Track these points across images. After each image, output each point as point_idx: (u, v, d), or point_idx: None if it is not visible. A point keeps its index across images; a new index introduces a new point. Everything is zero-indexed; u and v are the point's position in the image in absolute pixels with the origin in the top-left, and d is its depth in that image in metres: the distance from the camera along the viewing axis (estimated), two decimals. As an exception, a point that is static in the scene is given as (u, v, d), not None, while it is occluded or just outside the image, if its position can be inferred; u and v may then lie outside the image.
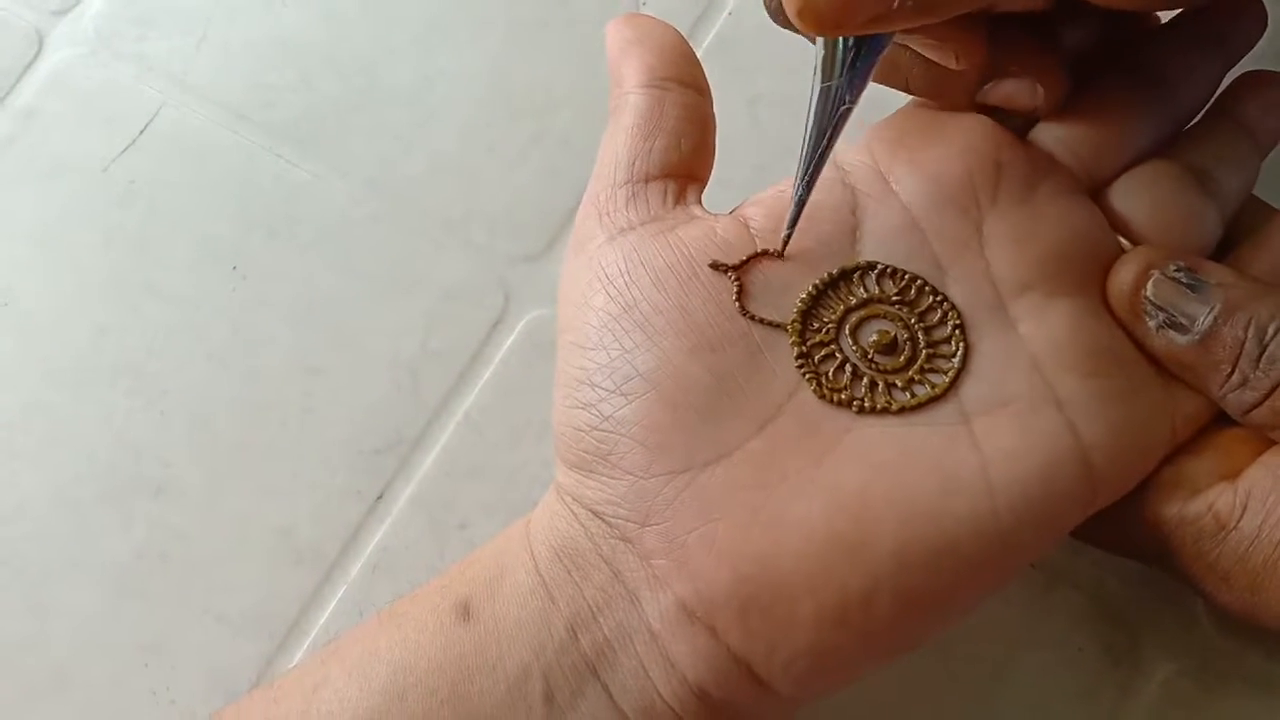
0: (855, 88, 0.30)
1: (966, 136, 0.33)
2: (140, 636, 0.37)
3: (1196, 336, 0.31)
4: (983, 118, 0.34)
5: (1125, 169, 0.34)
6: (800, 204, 0.31)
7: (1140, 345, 0.32)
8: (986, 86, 0.33)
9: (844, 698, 0.30)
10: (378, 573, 0.38)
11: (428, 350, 0.40)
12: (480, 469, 0.39)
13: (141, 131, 0.43)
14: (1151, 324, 0.31)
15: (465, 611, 0.29)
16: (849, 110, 0.30)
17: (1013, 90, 0.33)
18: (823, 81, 0.30)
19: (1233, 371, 0.30)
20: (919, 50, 0.33)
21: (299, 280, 0.41)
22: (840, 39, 0.29)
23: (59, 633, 0.38)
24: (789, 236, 0.31)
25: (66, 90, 0.44)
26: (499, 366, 0.40)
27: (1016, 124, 0.34)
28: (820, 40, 0.29)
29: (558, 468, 0.31)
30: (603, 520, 0.29)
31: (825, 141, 0.30)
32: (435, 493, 0.39)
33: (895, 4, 0.27)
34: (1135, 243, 0.33)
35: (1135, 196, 0.33)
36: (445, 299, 0.41)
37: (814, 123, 0.30)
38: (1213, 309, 0.31)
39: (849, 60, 0.29)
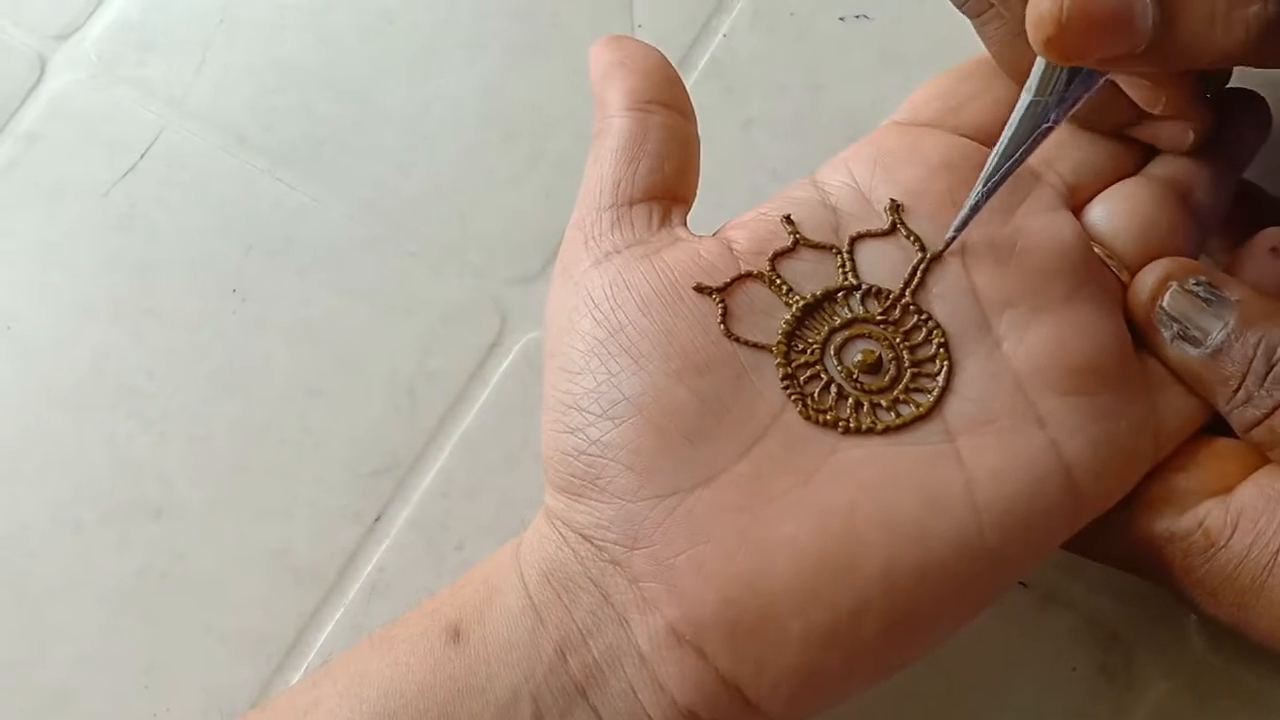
0: (1063, 110, 0.30)
1: (945, 155, 0.33)
2: (140, 657, 0.38)
3: (1208, 350, 0.31)
4: (960, 138, 0.34)
5: (1106, 185, 0.34)
6: (975, 210, 0.31)
7: (1155, 355, 0.32)
8: (1142, 124, 0.34)
9: (835, 718, 0.30)
10: (375, 594, 0.38)
11: (425, 372, 0.41)
12: (477, 491, 0.39)
13: (142, 155, 0.44)
14: (1166, 334, 0.32)
15: (455, 634, 0.29)
16: (1050, 130, 0.30)
17: (1167, 132, 0.34)
18: (1034, 95, 0.30)
19: (1239, 387, 0.31)
20: (1125, 87, 0.33)
21: (297, 302, 0.42)
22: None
23: (59, 653, 0.38)
24: (953, 239, 0.32)
25: (68, 114, 0.45)
26: (495, 388, 0.40)
27: None
28: (1042, 59, 0.30)
29: (547, 491, 0.31)
30: (592, 544, 0.29)
31: (1019, 155, 0.31)
32: (432, 514, 0.39)
33: (1140, 49, 0.28)
34: (1117, 259, 0.33)
35: (1116, 212, 0.33)
36: (442, 321, 0.41)
37: (1012, 134, 0.31)
38: (1226, 324, 0.31)
39: (1066, 83, 0.30)
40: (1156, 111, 0.33)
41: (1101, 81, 0.30)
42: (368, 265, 0.42)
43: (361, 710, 0.29)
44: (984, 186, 0.31)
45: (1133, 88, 0.33)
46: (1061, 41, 0.27)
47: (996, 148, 0.31)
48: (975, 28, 0.34)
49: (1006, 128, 0.31)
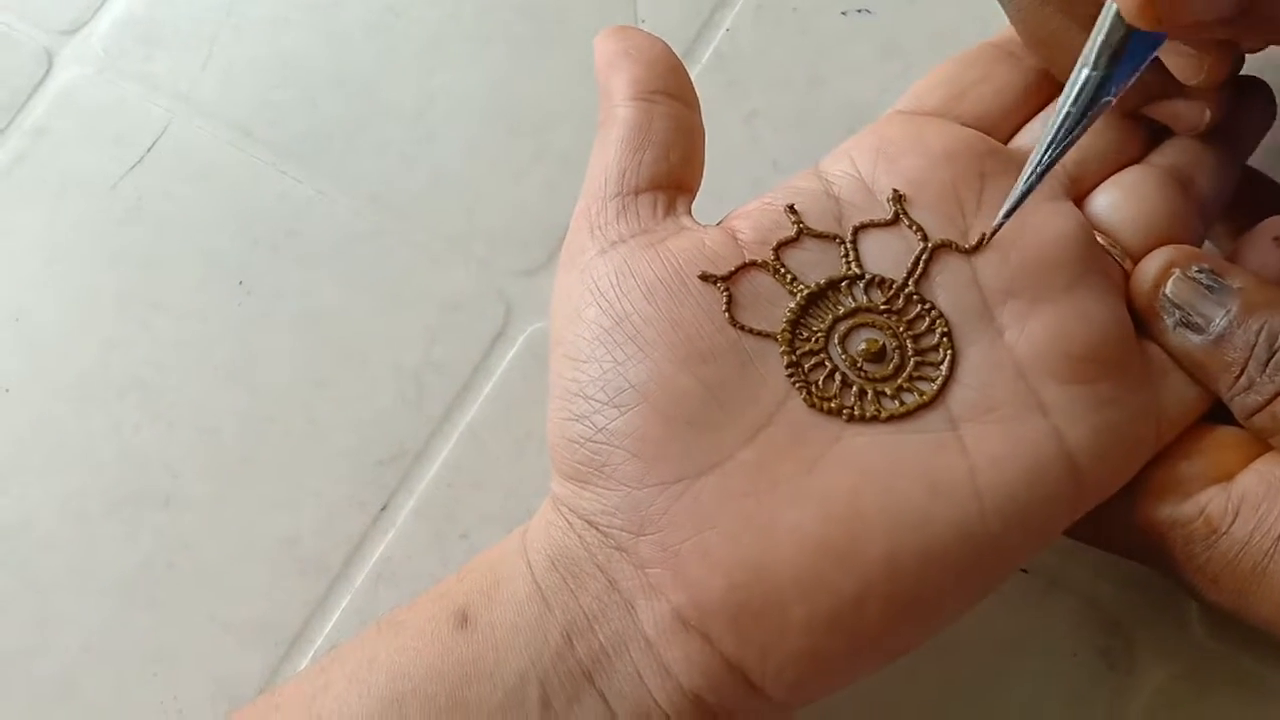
0: (1120, 82, 0.30)
1: (948, 145, 0.34)
2: (147, 646, 0.38)
3: (1210, 337, 0.31)
4: (963, 126, 0.34)
5: (1109, 174, 0.34)
6: (1029, 189, 0.31)
7: (1157, 342, 0.32)
8: (1157, 101, 0.34)
9: (839, 702, 0.31)
10: (382, 582, 0.38)
11: (430, 362, 0.41)
12: (482, 480, 0.39)
13: (149, 149, 0.44)
14: (1169, 321, 0.32)
15: (463, 619, 0.29)
16: (1108, 104, 0.30)
17: (1183, 110, 0.34)
18: (1093, 69, 0.29)
19: (1241, 374, 0.31)
20: (1167, 58, 0.32)
21: (303, 295, 0.42)
22: (1122, 34, 0.29)
23: (67, 643, 0.38)
24: (1006, 218, 0.31)
25: (75, 109, 0.45)
26: (500, 379, 0.41)
27: None
28: (1100, 31, 0.29)
29: (553, 478, 0.31)
30: (598, 530, 0.29)
31: (1078, 130, 0.30)
32: (438, 504, 0.39)
33: (1235, 11, 0.27)
34: (1120, 248, 0.33)
35: (1119, 201, 0.33)
36: (447, 312, 0.41)
37: (1069, 109, 0.30)
38: (1228, 311, 0.31)
39: (1124, 54, 0.29)
40: (1195, 83, 0.32)
41: (1157, 50, 0.30)
42: (373, 257, 0.42)
43: (370, 694, 0.29)
44: (1036, 166, 0.30)
45: (1178, 57, 0.32)
46: (1157, 7, 0.27)
47: (1051, 124, 0.30)
48: (1015, 15, 0.34)
49: (1060, 103, 0.30)
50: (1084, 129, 0.30)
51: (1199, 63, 0.32)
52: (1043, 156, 0.31)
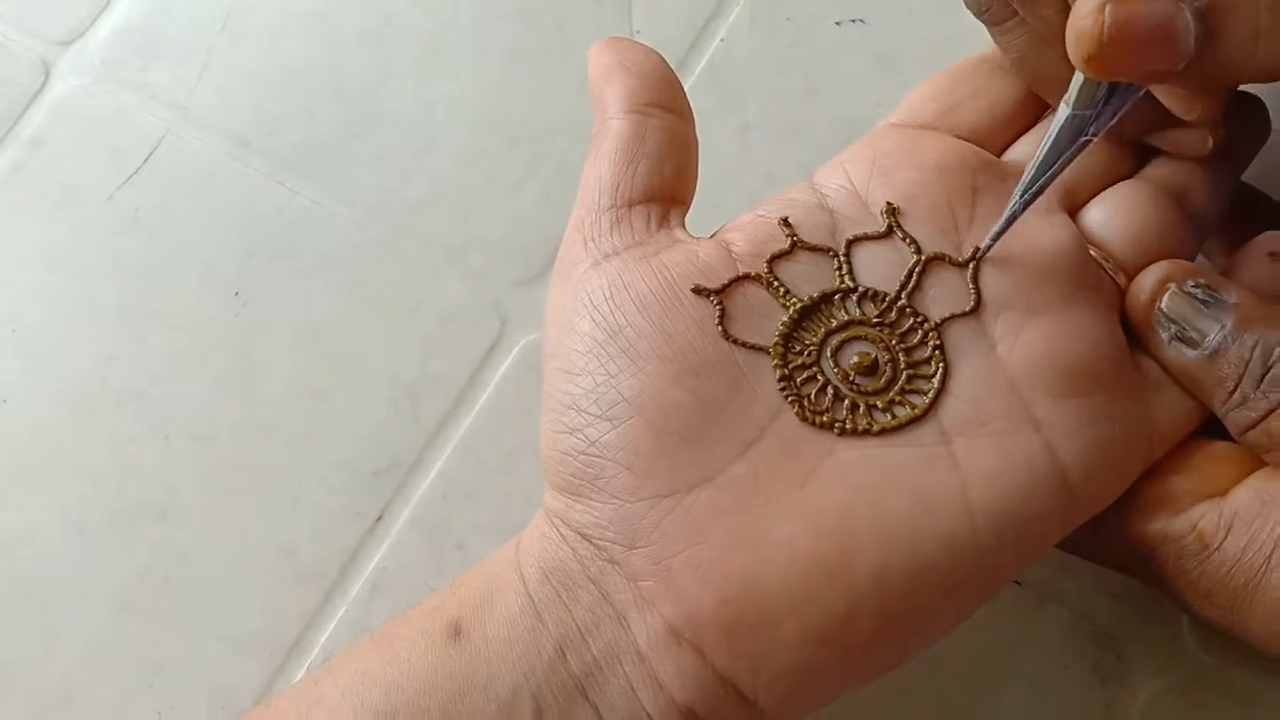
0: (1102, 123, 0.30)
1: (942, 158, 0.34)
2: (144, 657, 0.38)
3: (1205, 352, 0.31)
4: (957, 139, 0.34)
5: (1103, 188, 0.34)
6: (1011, 220, 0.31)
7: (1152, 356, 0.32)
8: (1158, 131, 0.34)
9: (831, 715, 0.31)
10: (377, 593, 0.39)
11: (426, 374, 0.41)
12: (477, 491, 0.39)
13: (145, 160, 0.44)
14: (1164, 336, 0.32)
15: (456, 632, 0.29)
16: (1088, 144, 0.31)
17: (1185, 138, 0.34)
18: (1074, 109, 0.30)
19: (1235, 390, 0.31)
20: (1160, 96, 0.33)
21: (300, 306, 0.42)
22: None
23: (64, 653, 0.38)
24: (989, 247, 0.32)
25: (72, 119, 0.45)
26: (495, 390, 0.41)
27: None
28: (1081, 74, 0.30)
29: (546, 491, 0.31)
30: (590, 543, 0.30)
31: (1057, 167, 0.31)
32: (433, 514, 0.39)
33: (1181, 66, 0.28)
34: (1113, 262, 0.33)
35: (1113, 215, 0.34)
36: (443, 323, 0.41)
37: (1051, 146, 0.31)
38: (1223, 326, 0.31)
39: (1106, 96, 0.30)
40: (1190, 119, 0.33)
41: (1140, 93, 0.30)
42: (369, 268, 0.42)
43: (363, 708, 0.29)
44: (1021, 198, 0.31)
45: (1169, 97, 0.33)
46: (1103, 59, 0.28)
47: (1034, 159, 0.31)
48: (994, 35, 0.34)
49: (1044, 140, 0.31)
50: (1064, 166, 0.31)
51: (1191, 101, 0.32)
52: (1025, 191, 0.31)
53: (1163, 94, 0.33)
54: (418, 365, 0.41)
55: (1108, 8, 0.27)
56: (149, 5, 0.46)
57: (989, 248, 0.32)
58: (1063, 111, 0.30)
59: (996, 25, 0.34)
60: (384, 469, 0.40)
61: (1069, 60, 0.29)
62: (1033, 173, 0.31)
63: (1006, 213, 0.31)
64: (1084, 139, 0.31)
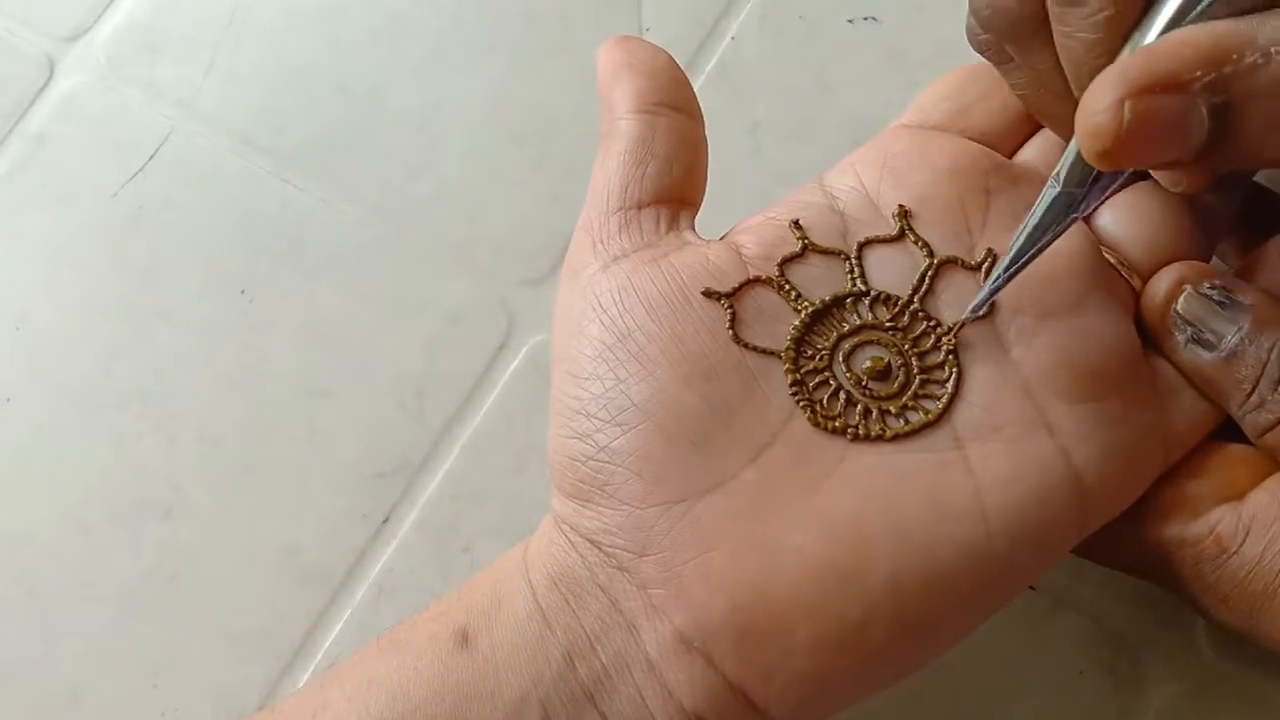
0: (1092, 201, 0.30)
1: (954, 160, 0.33)
2: (148, 657, 0.38)
3: (1222, 354, 0.31)
4: (968, 141, 0.34)
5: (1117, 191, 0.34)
6: (994, 292, 0.31)
7: (1167, 359, 0.32)
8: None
9: (841, 721, 0.31)
10: (383, 595, 0.38)
11: (433, 373, 0.41)
12: (484, 492, 0.39)
13: (151, 157, 0.44)
14: (1180, 338, 0.32)
15: (463, 639, 0.29)
16: (1075, 220, 0.30)
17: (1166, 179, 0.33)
18: (1064, 186, 0.30)
19: (1252, 392, 0.31)
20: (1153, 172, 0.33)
21: (306, 304, 0.42)
22: None
23: (69, 653, 0.38)
24: (971, 318, 0.31)
25: (77, 116, 0.45)
26: (503, 390, 0.40)
27: None
28: (1071, 152, 0.30)
29: (554, 496, 0.31)
30: (600, 549, 0.29)
31: (1044, 242, 0.30)
32: (440, 516, 0.39)
33: (1191, 158, 0.27)
34: (1127, 264, 0.33)
35: (1126, 218, 0.33)
36: (450, 323, 0.41)
37: (1039, 220, 0.30)
38: (1240, 328, 0.31)
39: (1097, 177, 0.30)
40: (1176, 191, 0.32)
41: (1130, 173, 0.30)
42: (376, 267, 0.42)
43: (369, 715, 0.29)
44: (1005, 272, 0.31)
45: (1161, 174, 0.33)
46: (1117, 153, 0.27)
47: (1020, 231, 0.31)
48: (1001, 74, 0.34)
49: (1030, 213, 0.30)
50: (1050, 241, 0.30)
51: (1178, 178, 0.32)
52: (1010, 266, 0.31)
53: (1163, 172, 0.33)
54: (424, 364, 0.41)
55: (1128, 104, 0.27)
56: (154, 2, 0.46)
57: (970, 319, 0.31)
58: (1051, 188, 0.30)
59: (998, 65, 0.33)
60: (391, 470, 0.40)
61: (1069, 102, 0.29)
62: (1018, 247, 0.31)
63: (989, 284, 0.31)
64: (1073, 217, 0.30)
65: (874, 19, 0.44)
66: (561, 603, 0.29)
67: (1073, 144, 0.29)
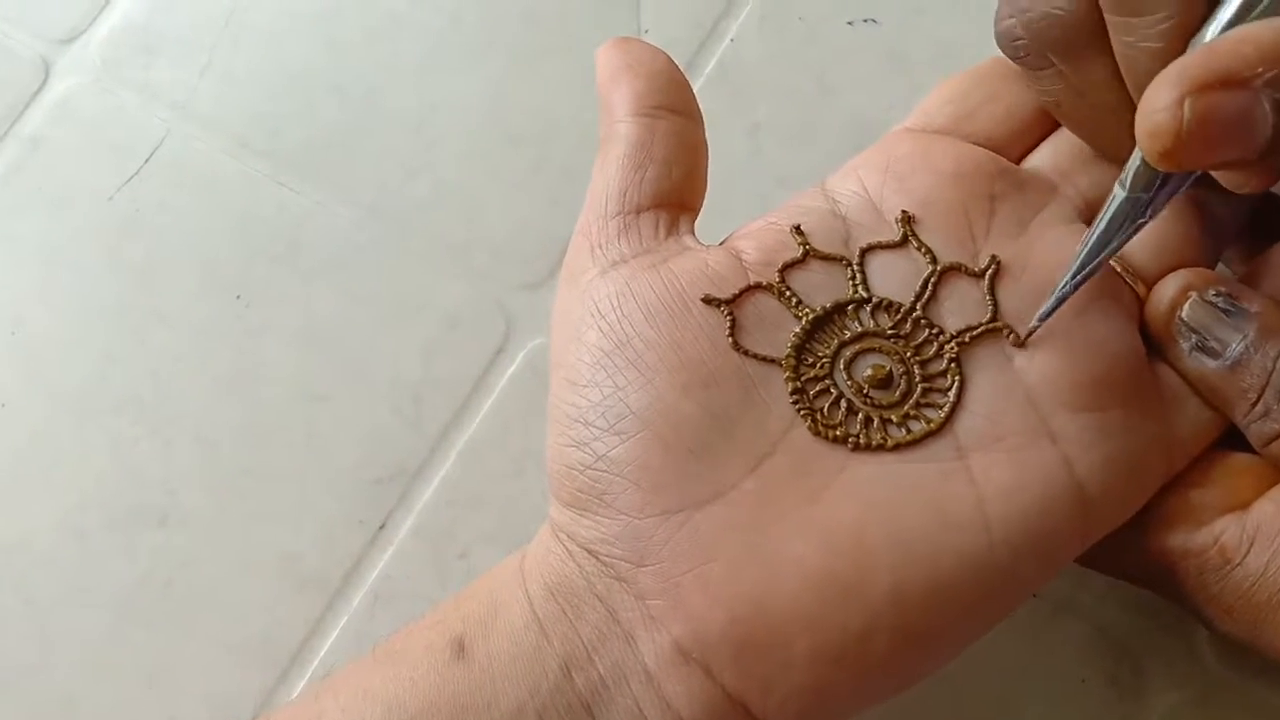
0: (1158, 205, 0.30)
1: (958, 164, 0.33)
2: (144, 664, 0.38)
3: (1227, 362, 0.31)
4: (973, 145, 0.34)
5: None
6: (1061, 300, 0.30)
7: (1172, 367, 0.32)
8: None
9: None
10: (380, 601, 0.38)
11: (430, 378, 0.40)
12: (481, 499, 0.39)
13: (146, 160, 0.44)
14: (1184, 345, 0.31)
15: (459, 649, 0.29)
16: (1144, 225, 0.30)
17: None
18: (1130, 192, 0.29)
19: (1258, 401, 0.30)
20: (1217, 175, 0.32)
21: (302, 307, 0.41)
22: None
23: (64, 660, 0.38)
24: (1037, 328, 0.31)
25: (72, 118, 0.44)
26: (500, 395, 0.40)
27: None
28: (1138, 155, 0.29)
29: (552, 504, 0.31)
30: (598, 559, 0.29)
31: (1112, 248, 0.30)
32: (437, 522, 0.39)
33: (1255, 156, 0.27)
34: (1132, 272, 0.32)
35: None
36: (447, 327, 0.41)
37: (1105, 226, 0.30)
38: (1245, 336, 0.31)
39: (1163, 178, 0.29)
40: (1242, 192, 0.32)
41: (1198, 174, 0.30)
42: (372, 270, 0.42)
43: (365, 726, 0.29)
44: (1073, 279, 0.30)
45: (1224, 175, 0.32)
46: (1179, 153, 0.26)
47: (1087, 238, 0.30)
48: (1027, 77, 0.33)
49: (1097, 219, 0.30)
50: (1118, 249, 0.30)
51: (1245, 178, 0.31)
52: (1077, 273, 0.30)
53: (1226, 173, 0.32)
54: (421, 369, 0.40)
55: (1187, 102, 0.26)
56: (150, 3, 0.46)
57: (1037, 327, 0.31)
58: (1118, 194, 0.30)
59: (1033, 71, 0.33)
60: (387, 476, 0.39)
61: (1116, 119, 0.28)
62: (1085, 254, 0.30)
63: (1056, 292, 0.30)
64: (1141, 222, 0.30)
65: (874, 21, 0.44)
66: (559, 613, 0.29)
67: (1137, 149, 0.28)
